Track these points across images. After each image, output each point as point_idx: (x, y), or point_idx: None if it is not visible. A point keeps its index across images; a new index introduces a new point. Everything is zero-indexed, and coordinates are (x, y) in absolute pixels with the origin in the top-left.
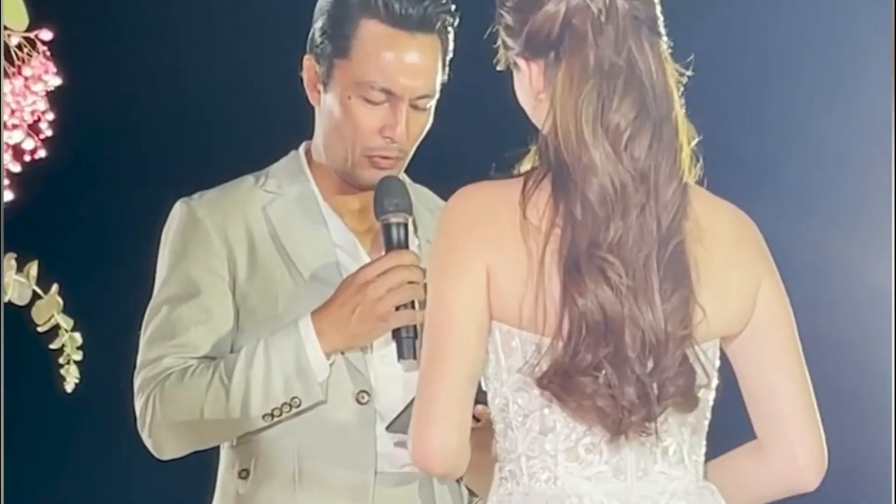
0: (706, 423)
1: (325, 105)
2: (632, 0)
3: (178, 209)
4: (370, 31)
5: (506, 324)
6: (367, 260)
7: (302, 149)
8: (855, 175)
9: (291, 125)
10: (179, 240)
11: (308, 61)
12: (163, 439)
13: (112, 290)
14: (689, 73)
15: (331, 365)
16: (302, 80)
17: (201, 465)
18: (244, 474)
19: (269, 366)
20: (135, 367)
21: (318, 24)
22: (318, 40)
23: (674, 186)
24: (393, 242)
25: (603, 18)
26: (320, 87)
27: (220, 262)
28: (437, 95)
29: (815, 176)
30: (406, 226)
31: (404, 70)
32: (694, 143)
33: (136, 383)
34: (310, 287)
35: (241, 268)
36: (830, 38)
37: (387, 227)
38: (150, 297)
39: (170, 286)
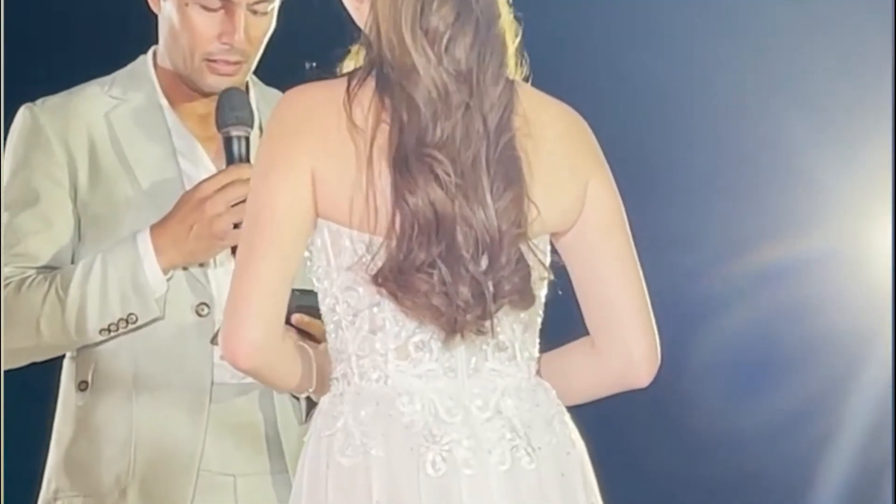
0: (539, 320)
1: (165, 12)
2: None
3: (21, 115)
4: None
5: (335, 223)
6: (211, 167)
7: (149, 54)
8: (855, 174)
9: (144, 31)
10: (21, 146)
11: None
12: (5, 351)
13: None
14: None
15: (169, 280)
16: None
17: None
18: (83, 386)
19: (105, 281)
20: None
21: None
22: None
23: (501, 86)
24: (234, 156)
25: None
26: None
27: (61, 170)
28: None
29: (816, 176)
30: (247, 139)
31: None
32: (517, 41)
33: None
34: (150, 196)
35: (81, 176)
36: (830, 37)
37: (228, 141)
38: None
39: (10, 193)
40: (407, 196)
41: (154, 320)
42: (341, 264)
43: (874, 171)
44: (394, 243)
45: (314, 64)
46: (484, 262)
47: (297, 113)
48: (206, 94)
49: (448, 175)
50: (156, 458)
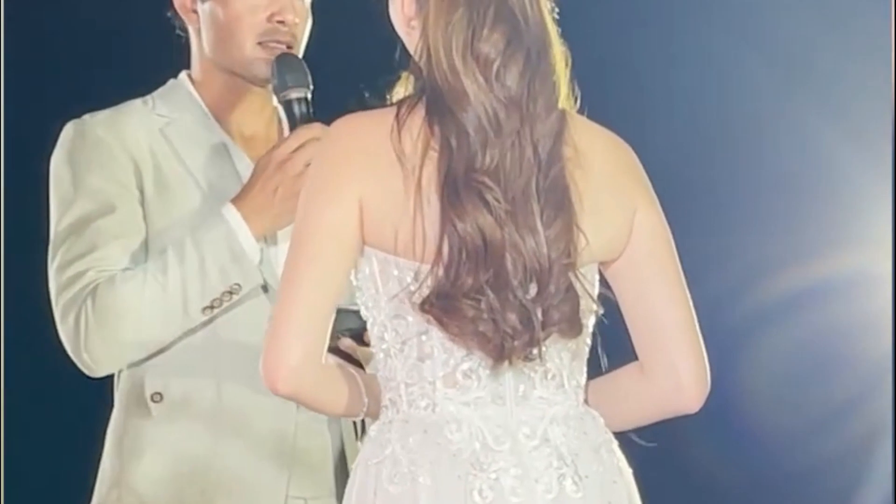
0: (586, 348)
1: (207, 15)
2: None
3: (73, 130)
4: None
5: (383, 251)
6: None
7: (184, 76)
8: (855, 174)
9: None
10: (83, 158)
11: None
12: (101, 352)
13: None
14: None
15: (260, 265)
16: (170, 16)
17: None
18: (157, 398)
19: (202, 257)
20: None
21: None
22: None
23: (552, 115)
24: (297, 117)
25: None
26: (197, 4)
27: (129, 177)
28: None
29: (816, 176)
30: (307, 100)
31: None
32: (568, 71)
33: (59, 309)
34: (216, 206)
35: (147, 185)
36: (830, 37)
37: (288, 104)
38: None
39: (80, 204)
40: (455, 222)
41: (254, 290)
42: (389, 292)
43: (875, 170)
44: (441, 270)
45: (366, 94)
46: (533, 290)
47: (345, 141)
48: (261, 83)
49: (498, 201)
50: (240, 477)
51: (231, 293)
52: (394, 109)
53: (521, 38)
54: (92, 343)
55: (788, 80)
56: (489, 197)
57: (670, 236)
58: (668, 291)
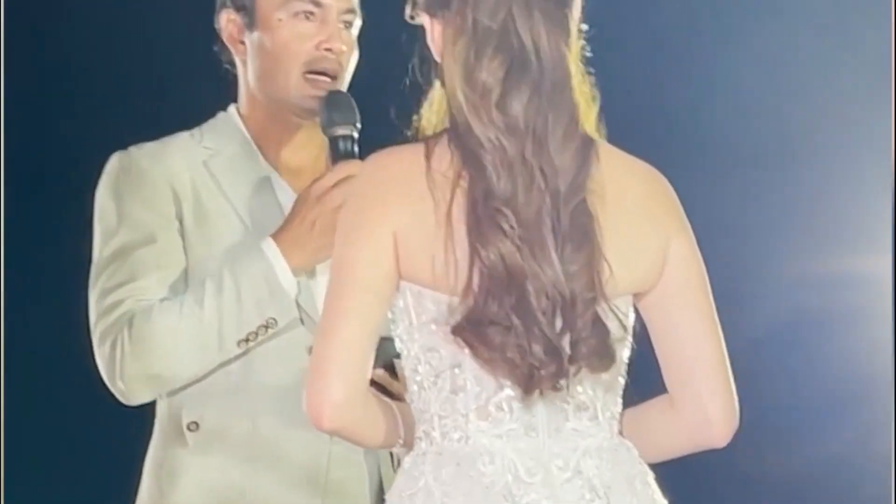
0: (621, 380)
1: (255, 45)
2: None
3: (118, 161)
4: None
5: (417, 284)
6: None
7: (232, 109)
8: (855, 174)
9: (192, 103)
10: (126, 189)
11: (226, 16)
12: (136, 381)
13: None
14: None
15: (296, 297)
16: (217, 49)
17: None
18: (193, 427)
19: (239, 290)
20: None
21: None
22: None
23: (572, 147)
24: (340, 153)
25: None
26: (244, 35)
27: (170, 210)
28: (360, 21)
29: (816, 176)
30: (353, 138)
31: None
32: (597, 105)
33: (96, 335)
34: (257, 240)
35: (188, 217)
36: (830, 37)
37: (333, 140)
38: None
39: (122, 234)
40: (479, 250)
41: (291, 324)
42: (423, 325)
43: (874, 170)
44: (471, 299)
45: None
46: (558, 324)
47: (378, 176)
48: (307, 115)
49: (512, 227)
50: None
51: (267, 327)
52: (425, 143)
53: (527, 69)
54: (127, 372)
55: (788, 78)
56: (504, 223)
57: (703, 269)
58: (698, 325)
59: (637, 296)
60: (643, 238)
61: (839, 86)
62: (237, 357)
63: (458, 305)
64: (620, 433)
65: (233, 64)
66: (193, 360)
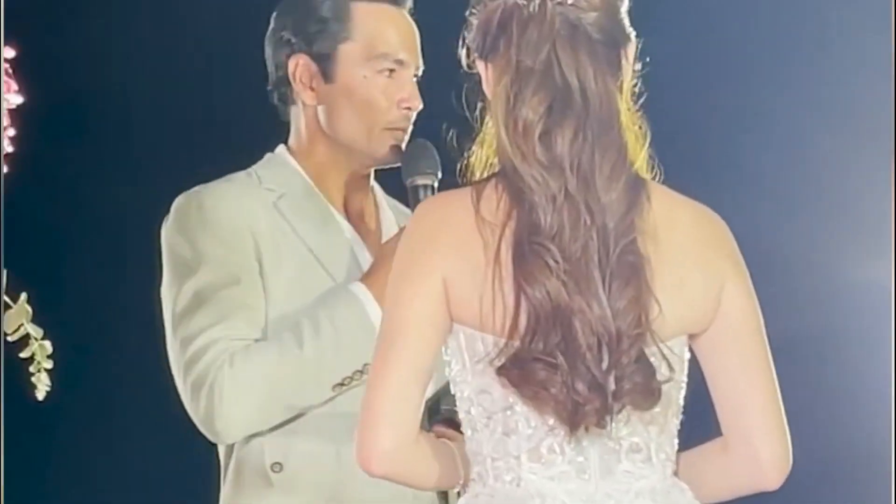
0: (676, 421)
1: (332, 96)
2: (578, 10)
3: (189, 201)
4: (364, 11)
5: (469, 327)
6: (370, 258)
7: (282, 150)
8: (855, 175)
9: (245, 137)
10: (201, 229)
11: (300, 60)
12: (237, 423)
13: (80, 298)
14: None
15: None
16: (271, 88)
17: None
18: (277, 468)
19: (338, 334)
20: (104, 370)
21: (303, 22)
22: (311, 36)
23: (620, 186)
24: (419, 202)
25: (529, 21)
26: (317, 83)
27: (250, 250)
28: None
29: (816, 176)
30: (433, 187)
31: (405, 41)
32: (646, 142)
33: (189, 377)
34: (323, 284)
35: (265, 256)
36: (830, 37)
37: (414, 189)
38: (116, 305)
39: (204, 274)
40: (525, 287)
41: None
42: (475, 367)
43: (874, 170)
44: (517, 340)
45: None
46: (604, 361)
47: (427, 221)
48: (376, 165)
49: (556, 262)
50: None
51: (362, 372)
52: (473, 186)
53: (570, 106)
54: (228, 412)
55: (787, 79)
56: (548, 259)
57: (758, 312)
58: (751, 369)
59: (691, 337)
60: (695, 279)
61: (838, 83)
62: (328, 401)
63: (504, 346)
64: (675, 474)
65: (285, 102)
66: (291, 400)
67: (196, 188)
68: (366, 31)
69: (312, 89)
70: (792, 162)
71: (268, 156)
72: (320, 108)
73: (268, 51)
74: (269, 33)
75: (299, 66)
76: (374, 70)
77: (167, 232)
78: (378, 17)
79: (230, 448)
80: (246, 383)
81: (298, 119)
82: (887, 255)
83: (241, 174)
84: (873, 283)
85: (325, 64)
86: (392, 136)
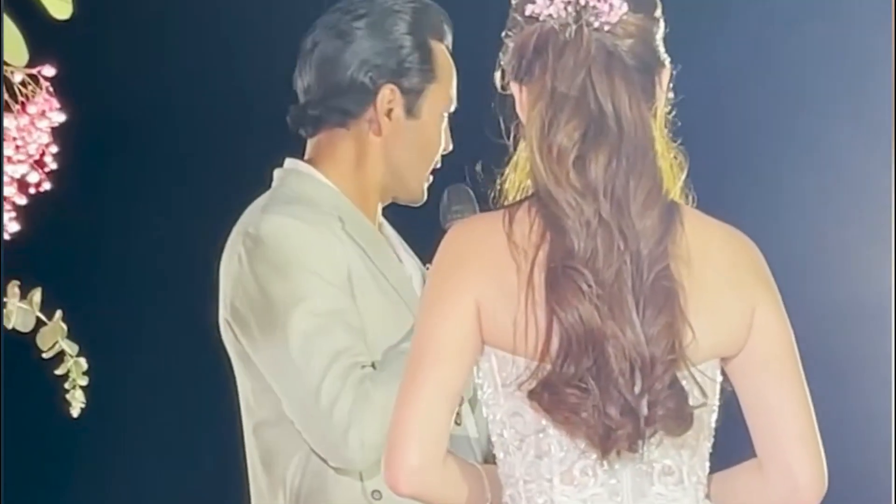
0: (708, 444)
1: (404, 129)
2: (614, 36)
3: (282, 223)
4: (439, 50)
5: (501, 349)
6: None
7: (313, 170)
8: (855, 175)
9: (288, 143)
10: (295, 256)
11: (391, 91)
12: (373, 450)
13: (115, 316)
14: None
15: None
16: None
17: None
18: (377, 496)
19: None
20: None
21: (392, 53)
22: (402, 69)
23: (654, 213)
24: None
25: (566, 47)
26: (396, 115)
27: (344, 274)
28: None
29: (816, 176)
30: None
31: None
32: (683, 172)
33: (334, 405)
34: (398, 306)
35: (354, 281)
36: (830, 37)
37: None
38: (152, 323)
39: (321, 300)
40: (558, 311)
41: None
42: (507, 390)
43: (874, 171)
44: (548, 363)
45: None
46: (637, 385)
47: (458, 245)
48: (410, 203)
49: (589, 286)
50: None
51: (469, 401)
52: (506, 210)
53: (604, 133)
54: (368, 436)
55: (787, 80)
56: (581, 283)
57: (791, 336)
58: (785, 393)
59: (723, 360)
60: (727, 303)
61: (838, 83)
62: None
63: (536, 369)
64: (707, 497)
65: (334, 122)
66: None
67: (270, 215)
68: (444, 73)
69: (388, 116)
70: (792, 164)
71: (296, 174)
72: (390, 140)
73: (322, 68)
74: (330, 51)
75: (388, 95)
76: (444, 111)
77: (257, 260)
78: (447, 58)
79: (279, 475)
80: (384, 406)
81: (342, 140)
82: (888, 258)
83: (286, 194)
84: (873, 293)
85: (411, 98)
86: (428, 177)
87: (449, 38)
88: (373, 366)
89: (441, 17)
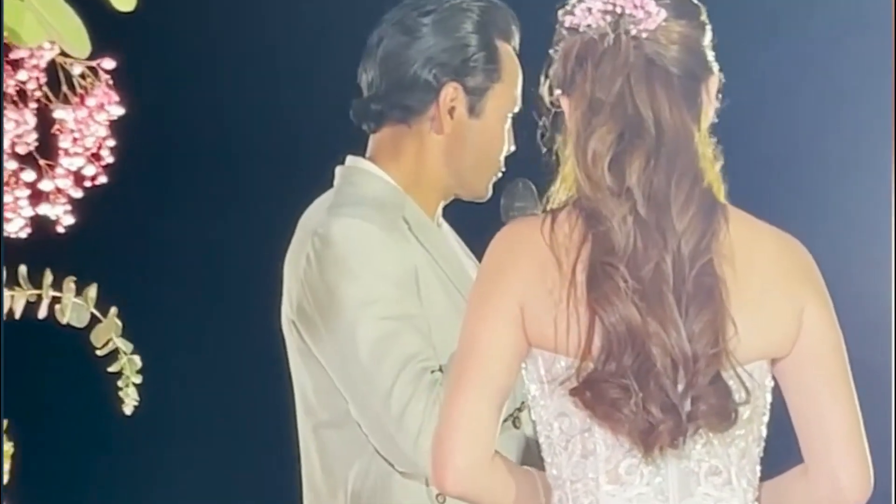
0: (756, 448)
1: (466, 129)
2: (656, 44)
3: (351, 224)
4: (505, 51)
5: (547, 350)
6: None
7: (380, 171)
8: (855, 175)
9: (349, 144)
10: (367, 260)
11: (454, 89)
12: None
13: (171, 314)
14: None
15: None
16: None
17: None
18: (442, 499)
19: None
20: (187, 389)
21: (457, 52)
22: (467, 68)
23: (694, 209)
24: None
25: (604, 56)
26: (459, 114)
27: (413, 277)
28: None
29: (815, 177)
30: None
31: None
32: (718, 164)
33: (413, 415)
34: (463, 309)
35: (421, 282)
36: (830, 38)
37: None
38: (207, 321)
39: (393, 304)
40: (599, 310)
41: None
42: (553, 390)
43: (875, 171)
44: (589, 361)
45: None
46: (681, 382)
47: (504, 248)
48: (476, 200)
49: (626, 282)
50: None
51: (520, 409)
52: (550, 212)
53: (641, 136)
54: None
55: (787, 80)
56: (618, 279)
57: (840, 338)
58: (832, 396)
59: (772, 362)
60: (774, 304)
61: (838, 83)
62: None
63: (579, 368)
64: (757, 501)
65: (406, 122)
66: None
67: (346, 210)
68: (509, 74)
69: (450, 114)
70: (791, 166)
71: (360, 172)
72: (453, 140)
73: (386, 64)
74: (395, 46)
75: (451, 93)
76: (508, 112)
77: (335, 259)
78: (513, 59)
79: (340, 475)
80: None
81: (404, 137)
82: (888, 258)
83: (352, 195)
84: (873, 288)
85: (475, 98)
86: (494, 177)
87: (516, 40)
88: (440, 370)
89: (509, 18)
